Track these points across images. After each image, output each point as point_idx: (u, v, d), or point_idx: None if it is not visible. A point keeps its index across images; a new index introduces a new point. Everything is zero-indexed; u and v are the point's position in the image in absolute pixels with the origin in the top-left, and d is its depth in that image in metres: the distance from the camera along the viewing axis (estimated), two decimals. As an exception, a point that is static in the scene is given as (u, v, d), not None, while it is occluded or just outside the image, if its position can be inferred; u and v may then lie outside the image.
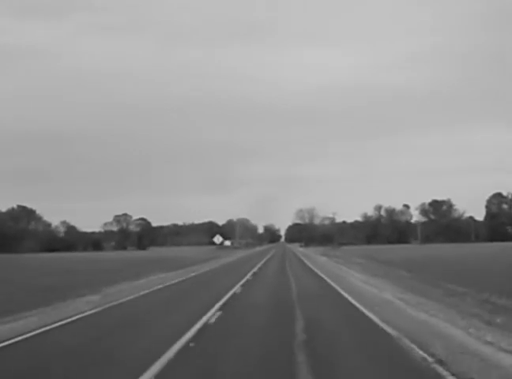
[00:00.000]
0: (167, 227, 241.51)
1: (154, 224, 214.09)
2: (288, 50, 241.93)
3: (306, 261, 54.26)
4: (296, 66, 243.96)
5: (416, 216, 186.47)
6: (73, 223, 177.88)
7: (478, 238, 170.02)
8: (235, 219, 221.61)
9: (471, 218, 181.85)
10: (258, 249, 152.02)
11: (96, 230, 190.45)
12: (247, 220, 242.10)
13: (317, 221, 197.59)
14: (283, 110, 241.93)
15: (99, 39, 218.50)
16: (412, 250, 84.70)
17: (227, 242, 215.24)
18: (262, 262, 54.30)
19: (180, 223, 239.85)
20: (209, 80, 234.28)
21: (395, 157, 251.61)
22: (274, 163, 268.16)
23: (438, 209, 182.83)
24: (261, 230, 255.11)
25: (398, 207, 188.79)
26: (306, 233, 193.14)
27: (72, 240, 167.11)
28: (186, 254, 78.08)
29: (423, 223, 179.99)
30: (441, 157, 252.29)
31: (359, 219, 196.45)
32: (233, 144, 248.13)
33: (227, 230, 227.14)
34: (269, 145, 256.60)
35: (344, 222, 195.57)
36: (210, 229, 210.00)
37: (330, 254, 74.18)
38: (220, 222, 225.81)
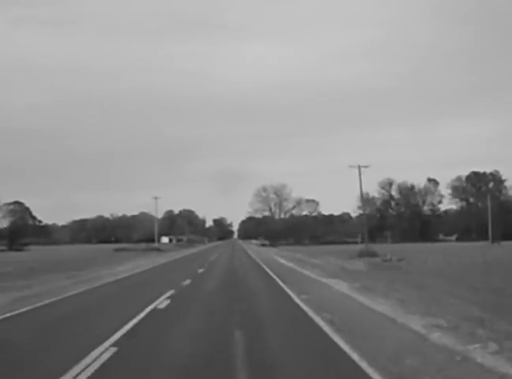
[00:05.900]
0: (91, 219, 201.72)
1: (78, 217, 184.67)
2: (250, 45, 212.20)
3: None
4: (236, 61, 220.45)
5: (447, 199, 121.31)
6: None
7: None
8: (176, 211, 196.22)
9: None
10: (194, 250, 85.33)
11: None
12: (192, 212, 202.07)
13: (289, 205, 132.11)
14: (230, 105, 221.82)
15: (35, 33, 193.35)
16: None
17: (165, 239, 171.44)
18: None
19: (107, 215, 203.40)
20: (149, 75, 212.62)
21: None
22: (227, 157, 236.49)
23: (480, 187, 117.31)
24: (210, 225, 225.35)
25: (420, 183, 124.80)
26: (265, 226, 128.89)
27: None
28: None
29: (459, 212, 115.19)
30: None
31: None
32: (180, 138, 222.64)
33: (166, 223, 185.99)
34: (222, 140, 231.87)
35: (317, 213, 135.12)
36: (143, 222, 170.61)
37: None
38: (159, 215, 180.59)
